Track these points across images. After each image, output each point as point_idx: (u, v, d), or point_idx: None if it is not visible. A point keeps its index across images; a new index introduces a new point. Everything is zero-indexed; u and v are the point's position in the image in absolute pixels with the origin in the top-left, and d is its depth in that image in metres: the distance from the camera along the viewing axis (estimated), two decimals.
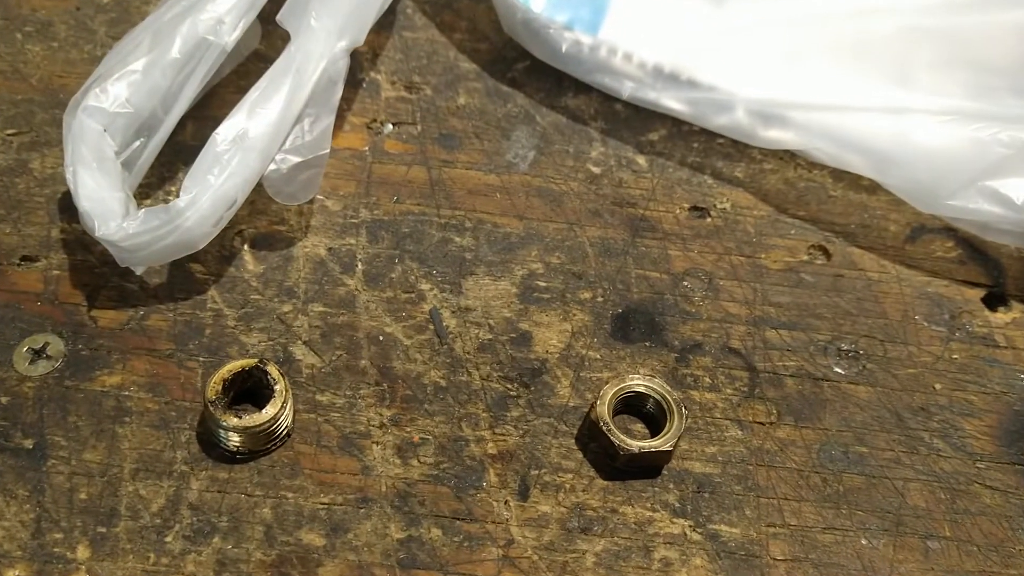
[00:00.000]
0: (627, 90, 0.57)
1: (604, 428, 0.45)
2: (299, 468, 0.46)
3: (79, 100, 0.49)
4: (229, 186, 0.48)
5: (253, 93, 0.50)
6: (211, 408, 0.44)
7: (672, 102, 0.57)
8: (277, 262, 0.52)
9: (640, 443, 0.45)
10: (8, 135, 0.55)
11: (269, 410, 0.44)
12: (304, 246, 0.53)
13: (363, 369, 0.49)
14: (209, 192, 0.47)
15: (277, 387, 0.45)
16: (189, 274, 0.51)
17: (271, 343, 0.49)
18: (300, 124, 0.50)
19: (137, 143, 0.51)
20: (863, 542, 0.45)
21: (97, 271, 0.51)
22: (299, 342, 0.49)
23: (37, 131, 0.55)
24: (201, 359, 0.48)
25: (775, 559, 0.45)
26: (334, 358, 0.49)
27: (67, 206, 0.53)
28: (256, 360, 0.46)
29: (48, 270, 0.51)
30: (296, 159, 0.50)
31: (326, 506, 0.45)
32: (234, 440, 0.45)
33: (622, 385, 0.47)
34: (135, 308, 0.50)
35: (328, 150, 0.50)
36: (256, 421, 0.44)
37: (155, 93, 0.50)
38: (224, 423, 0.44)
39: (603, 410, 0.46)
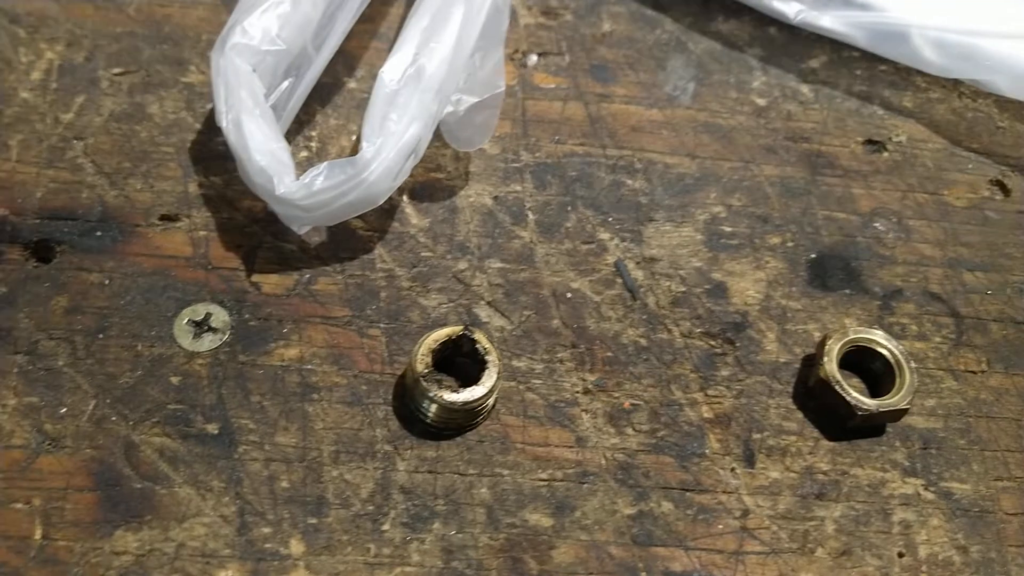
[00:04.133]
0: (795, 13, 0.53)
1: (837, 387, 0.42)
2: (510, 443, 0.42)
3: (226, 37, 0.43)
4: (412, 133, 0.43)
5: (416, 25, 0.45)
6: (423, 383, 0.40)
7: (844, 27, 0.53)
8: (442, 214, 0.47)
9: (877, 402, 0.42)
10: (115, 75, 0.49)
11: (486, 382, 0.40)
12: (467, 195, 0.48)
13: (556, 330, 0.45)
14: (392, 140, 0.42)
15: (490, 357, 0.41)
16: (351, 231, 0.46)
17: (452, 305, 0.45)
18: (471, 60, 0.45)
19: (285, 84, 0.45)
20: None
21: (247, 230, 0.45)
22: (482, 302, 0.45)
23: (147, 70, 0.49)
24: (382, 326, 0.44)
25: (1008, 514, 0.43)
26: (523, 319, 0.45)
27: (200, 157, 0.47)
28: (462, 328, 0.41)
29: (193, 231, 0.45)
30: (473, 99, 0.45)
31: (546, 483, 0.41)
32: (445, 416, 0.41)
33: (846, 339, 0.44)
34: (299, 271, 0.45)
35: (503, 88, 0.45)
36: (474, 395, 0.40)
37: (306, 27, 0.45)
38: (441, 399, 0.40)
39: (832, 368, 0.43)
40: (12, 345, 0.41)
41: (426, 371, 0.40)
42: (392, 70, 0.44)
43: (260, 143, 0.41)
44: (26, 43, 0.49)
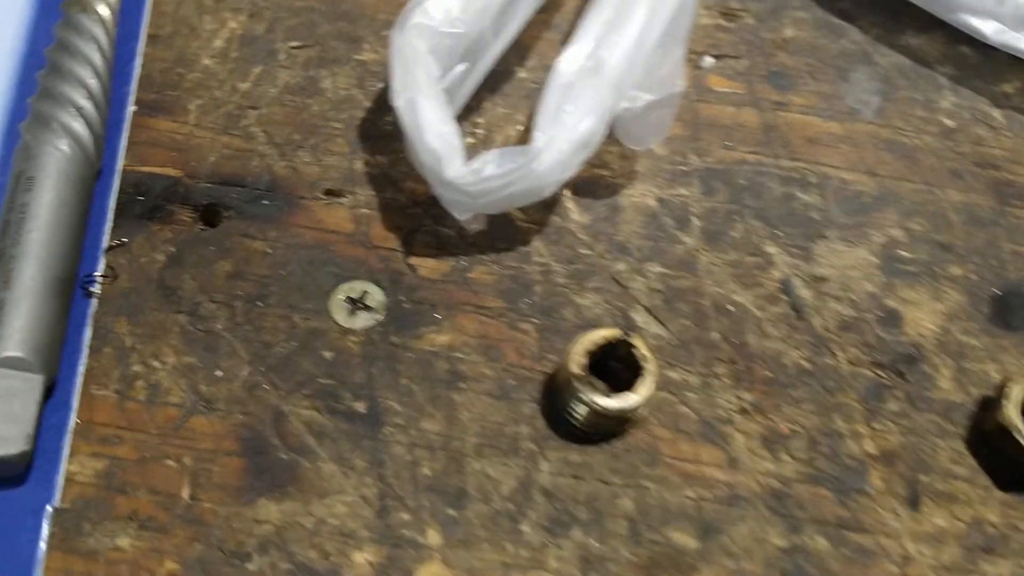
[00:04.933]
0: (993, 32, 0.49)
1: (1016, 434, 0.39)
2: (658, 455, 0.40)
3: (407, 15, 0.43)
4: (585, 126, 0.41)
5: (597, 16, 0.44)
6: (576, 384, 0.39)
7: None
8: (603, 212, 0.46)
9: None
10: (292, 48, 0.49)
11: (642, 391, 0.39)
12: (631, 195, 0.47)
13: (714, 343, 0.43)
14: (565, 132, 0.41)
15: (647, 366, 0.39)
16: (510, 221, 0.45)
17: (608, 306, 0.44)
18: (651, 56, 0.44)
19: (459, 69, 0.45)
20: None
21: (409, 212, 0.45)
22: (639, 307, 0.44)
23: (323, 45, 0.49)
24: (534, 321, 0.43)
25: None
26: (680, 328, 0.43)
27: (368, 135, 0.47)
28: (621, 332, 0.40)
29: (356, 208, 0.45)
30: (649, 97, 0.43)
31: (694, 502, 0.40)
32: (594, 420, 0.39)
33: None
34: (455, 257, 0.44)
35: (681, 88, 0.44)
36: (628, 403, 0.39)
37: (487, 11, 0.44)
38: (594, 403, 0.38)
39: (1012, 413, 0.40)
40: (176, 304, 0.42)
41: (580, 372, 0.39)
42: (569, 61, 0.43)
43: (433, 124, 0.41)
44: (211, 11, 0.50)
